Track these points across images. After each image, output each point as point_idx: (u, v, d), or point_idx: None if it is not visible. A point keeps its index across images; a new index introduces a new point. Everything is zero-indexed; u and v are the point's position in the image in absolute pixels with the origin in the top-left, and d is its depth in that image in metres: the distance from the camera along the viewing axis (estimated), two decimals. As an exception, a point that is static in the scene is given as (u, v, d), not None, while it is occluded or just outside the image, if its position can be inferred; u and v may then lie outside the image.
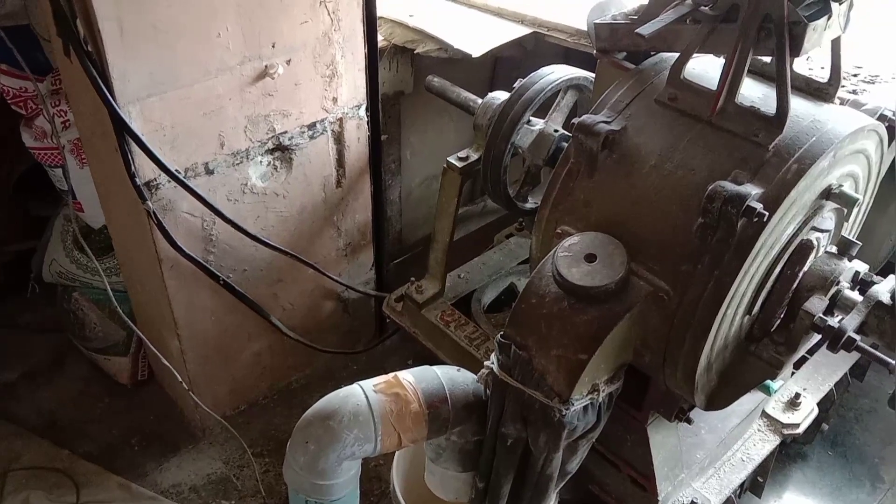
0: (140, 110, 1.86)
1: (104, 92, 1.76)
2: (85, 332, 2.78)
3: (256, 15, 1.94)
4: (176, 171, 1.97)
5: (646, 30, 1.43)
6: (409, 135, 2.99)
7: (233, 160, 2.12)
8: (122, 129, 1.84)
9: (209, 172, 2.08)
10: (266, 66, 2.02)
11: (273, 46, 2.02)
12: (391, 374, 1.71)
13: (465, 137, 3.00)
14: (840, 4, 1.41)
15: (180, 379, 2.33)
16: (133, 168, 1.91)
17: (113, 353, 2.76)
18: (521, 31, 2.54)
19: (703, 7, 1.45)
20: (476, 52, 2.40)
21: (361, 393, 1.66)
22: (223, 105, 2.00)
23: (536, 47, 2.66)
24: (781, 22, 1.33)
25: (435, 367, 1.75)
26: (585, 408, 1.49)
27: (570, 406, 1.45)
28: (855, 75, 2.14)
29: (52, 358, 2.96)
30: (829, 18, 1.40)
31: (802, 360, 2.26)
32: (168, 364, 2.30)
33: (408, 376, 1.70)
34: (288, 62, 2.07)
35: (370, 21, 2.22)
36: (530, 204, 2.24)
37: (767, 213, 1.31)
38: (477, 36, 2.49)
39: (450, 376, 1.72)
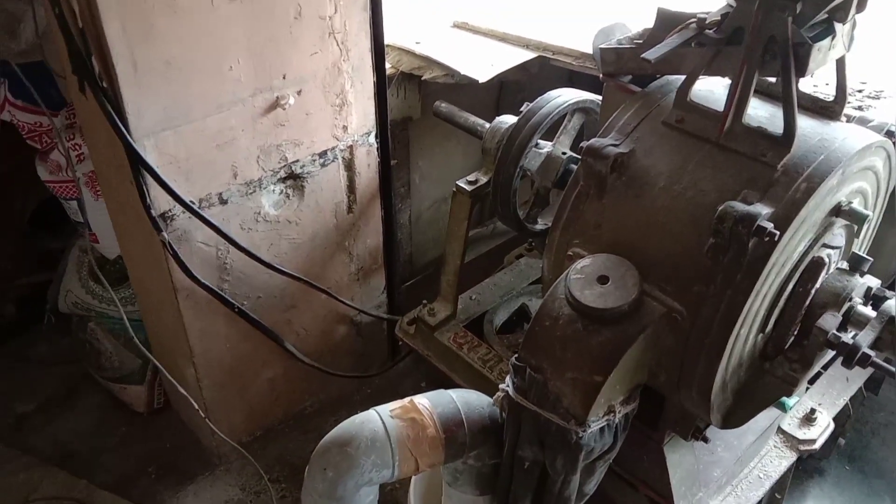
0: (155, 144, 1.89)
1: (119, 127, 1.79)
2: (101, 362, 2.80)
3: (267, 48, 1.97)
4: (190, 201, 2.00)
5: (652, 54, 1.45)
6: (418, 159, 3.02)
7: (246, 189, 2.15)
8: (137, 163, 1.87)
9: (223, 202, 2.11)
10: (277, 98, 2.06)
11: (284, 78, 2.05)
12: (407, 399, 1.72)
13: (472, 161, 3.04)
14: (844, 24, 1.42)
15: (196, 406, 2.34)
16: (148, 200, 1.93)
17: (129, 381, 2.79)
18: (527, 55, 2.57)
19: (707, 31, 1.47)
20: (482, 77, 2.43)
21: (378, 419, 1.66)
22: (236, 136, 2.03)
23: (541, 71, 2.70)
24: (786, 43, 1.35)
25: (450, 391, 1.76)
26: (602, 429, 1.49)
27: (587, 428, 1.45)
28: (860, 91, 2.16)
29: (68, 389, 2.98)
30: (833, 38, 1.42)
31: (817, 376, 2.25)
32: (184, 392, 2.32)
33: (423, 401, 1.71)
34: (299, 93, 2.10)
35: (378, 50, 2.26)
36: (540, 225, 2.26)
37: (778, 233, 1.32)
38: (483, 61, 2.52)
39: (465, 400, 1.72)
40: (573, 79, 2.65)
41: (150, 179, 1.91)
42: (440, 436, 1.64)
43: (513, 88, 3.00)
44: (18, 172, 2.93)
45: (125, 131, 1.81)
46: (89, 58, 1.74)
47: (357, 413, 1.72)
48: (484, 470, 1.72)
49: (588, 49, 1.88)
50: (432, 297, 2.46)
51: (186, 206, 1.99)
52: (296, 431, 2.77)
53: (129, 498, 2.56)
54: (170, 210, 2.01)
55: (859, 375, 2.31)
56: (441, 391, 1.75)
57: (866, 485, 2.61)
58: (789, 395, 1.59)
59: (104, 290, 2.63)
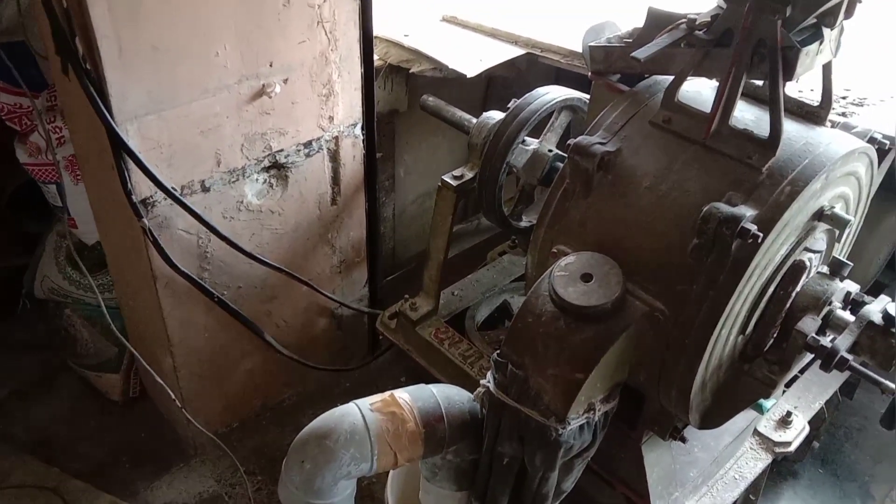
0: (137, 128, 1.86)
1: (102, 110, 1.77)
2: (76, 349, 2.76)
3: (254, 35, 1.95)
4: (172, 188, 1.97)
5: (641, 53, 1.46)
6: (403, 153, 3.01)
7: (229, 178, 2.13)
8: (119, 147, 1.84)
9: (205, 190, 2.09)
10: (263, 85, 2.04)
11: (271, 65, 2.03)
12: (387, 393, 1.71)
13: (457, 156, 3.04)
14: (832, 30, 1.43)
15: (173, 396, 2.32)
16: (129, 185, 1.91)
17: (105, 369, 2.75)
18: (515, 51, 2.57)
19: (697, 31, 1.47)
20: (470, 72, 2.43)
21: (358, 412, 1.66)
22: (220, 123, 2.01)
23: (529, 67, 2.70)
24: (775, 47, 1.36)
25: (431, 386, 1.75)
26: (581, 427, 1.50)
27: (567, 425, 1.46)
28: (844, 98, 2.18)
29: (43, 375, 2.94)
30: (821, 43, 1.43)
31: (793, 379, 2.27)
32: (161, 381, 2.30)
33: (404, 395, 1.70)
34: (285, 81, 2.08)
35: (367, 41, 2.24)
36: (524, 222, 2.26)
37: (762, 235, 1.33)
38: (471, 56, 2.52)
39: (446, 395, 1.72)
40: (560, 76, 2.66)
41: (131, 164, 1.88)
42: (420, 430, 1.64)
43: (500, 84, 3.00)
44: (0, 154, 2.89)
45: (108, 115, 1.78)
46: (73, 39, 1.71)
47: (336, 406, 1.72)
48: (463, 465, 1.72)
49: (577, 47, 1.89)
50: (414, 291, 2.46)
51: (168, 193, 1.96)
52: (273, 424, 2.75)
53: (102, 487, 2.53)
54: (151, 196, 1.98)
55: (835, 380, 2.33)
56: (422, 386, 1.75)
57: (839, 487, 2.64)
58: (767, 396, 1.60)
59: (82, 276, 2.59)
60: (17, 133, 2.56)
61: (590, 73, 1.81)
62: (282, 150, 2.21)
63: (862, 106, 2.15)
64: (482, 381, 1.59)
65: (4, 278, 3.12)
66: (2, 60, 2.29)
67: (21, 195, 3.02)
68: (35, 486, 2.51)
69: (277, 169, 2.25)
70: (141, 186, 1.95)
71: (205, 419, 2.47)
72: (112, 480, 2.56)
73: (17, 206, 3.07)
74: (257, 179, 2.22)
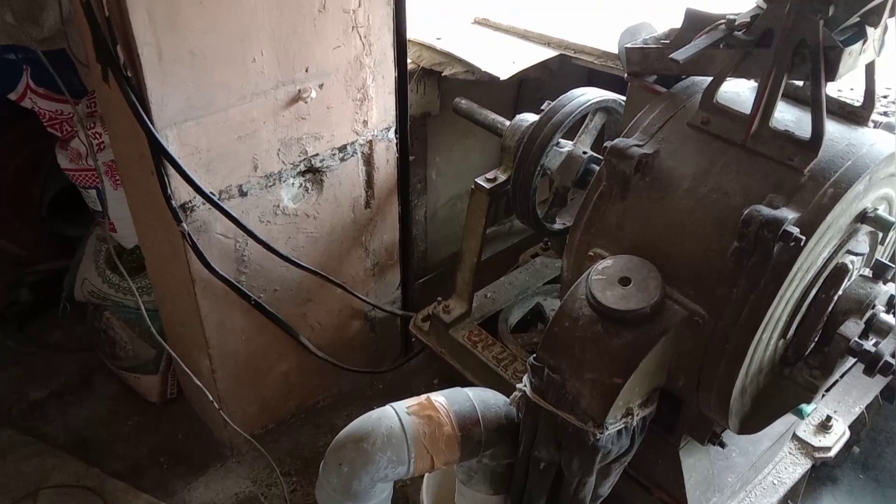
0: (177, 134, 1.89)
1: (143, 116, 1.79)
2: (115, 351, 2.81)
3: (290, 40, 1.97)
4: (211, 193, 2.00)
5: (680, 55, 1.44)
6: (435, 155, 3.01)
7: (266, 182, 2.15)
8: (159, 153, 1.87)
9: (243, 194, 2.11)
10: (299, 91, 2.05)
11: (306, 71, 2.05)
12: (423, 396, 1.72)
13: (488, 158, 3.04)
14: (875, 28, 1.41)
15: (210, 397, 2.35)
16: (169, 190, 1.94)
17: (142, 371, 2.79)
18: (548, 53, 2.56)
19: (736, 32, 1.46)
20: (503, 74, 2.42)
21: (394, 415, 1.66)
22: (257, 129, 2.03)
23: (561, 69, 2.68)
24: (817, 47, 1.34)
25: (466, 389, 1.76)
26: (619, 431, 1.49)
27: (605, 430, 1.45)
28: (885, 96, 2.14)
29: (82, 377, 2.99)
30: (864, 43, 1.41)
31: (833, 383, 2.24)
32: (198, 382, 2.32)
33: (440, 398, 1.71)
34: (321, 86, 2.10)
35: (400, 45, 2.25)
36: (558, 225, 2.25)
37: (804, 238, 1.31)
38: (504, 58, 2.51)
39: (482, 398, 1.72)
40: (593, 78, 2.64)
41: (171, 170, 1.91)
42: (456, 433, 1.64)
43: (532, 86, 2.99)
44: (38, 159, 2.95)
45: (148, 121, 1.81)
46: (114, 46, 1.74)
47: (370, 409, 1.73)
48: (498, 469, 1.72)
49: (610, 48, 1.88)
50: (446, 293, 2.46)
51: (207, 198, 1.99)
52: (308, 425, 2.77)
53: (140, 487, 2.56)
54: (190, 201, 2.01)
55: (876, 383, 2.29)
56: (457, 389, 1.75)
57: (880, 494, 2.59)
58: (808, 401, 1.58)
59: (121, 279, 2.64)
60: (58, 139, 2.61)
61: (626, 75, 1.80)
62: (317, 155, 2.23)
63: (904, 104, 2.11)
64: (518, 385, 1.59)
65: (45, 282, 3.19)
66: (44, 68, 2.34)
67: (60, 200, 3.08)
68: (75, 486, 2.55)
69: (313, 173, 2.27)
70: (180, 191, 1.98)
71: (241, 420, 2.50)
72: (150, 481, 2.60)
73: (57, 211, 3.13)
74: (293, 184, 2.24)
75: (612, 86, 2.16)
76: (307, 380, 2.72)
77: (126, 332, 2.75)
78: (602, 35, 2.50)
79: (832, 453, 2.08)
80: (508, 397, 1.67)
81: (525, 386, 1.56)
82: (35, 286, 3.22)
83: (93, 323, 2.86)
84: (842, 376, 2.24)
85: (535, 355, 1.53)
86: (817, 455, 2.07)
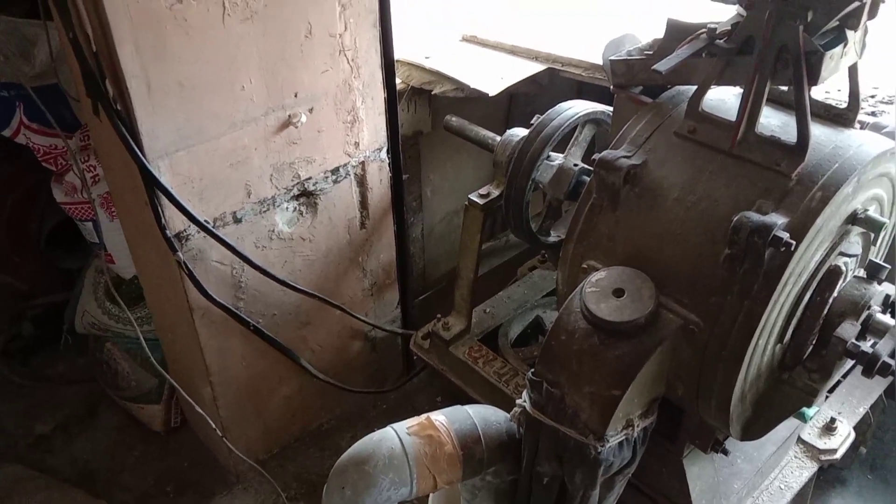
0: (169, 164, 1.90)
1: (134, 149, 1.81)
2: (118, 382, 2.81)
3: (278, 66, 1.99)
4: (205, 221, 2.01)
5: (663, 66, 1.45)
6: (429, 173, 3.02)
7: (260, 208, 2.16)
8: (152, 184, 1.88)
9: (237, 221, 2.12)
10: (289, 116, 2.07)
11: (296, 96, 2.06)
12: (423, 416, 1.71)
13: (483, 173, 3.05)
14: (855, 31, 1.42)
15: (213, 425, 2.35)
16: (163, 220, 1.95)
17: (146, 401, 2.79)
18: (536, 67, 2.58)
19: (718, 41, 1.46)
20: (492, 90, 2.44)
21: (395, 436, 1.66)
22: (249, 155, 2.05)
23: (551, 82, 2.70)
24: (798, 52, 1.35)
25: (467, 407, 1.75)
26: (621, 443, 1.49)
27: (606, 442, 1.44)
28: (872, 96, 2.15)
29: (85, 408, 2.99)
30: (845, 46, 1.41)
31: (836, 384, 2.23)
32: (201, 411, 2.33)
33: (440, 417, 1.70)
34: (310, 110, 2.11)
35: (388, 66, 2.27)
36: (553, 238, 2.25)
37: (794, 242, 1.31)
38: (492, 74, 2.53)
39: (482, 415, 1.72)
40: (583, 90, 2.66)
41: (164, 200, 1.92)
42: (458, 452, 1.63)
43: (523, 101, 3.00)
44: (36, 194, 2.96)
45: (139, 153, 1.83)
46: (103, 80, 1.76)
47: (373, 429, 1.72)
48: (502, 486, 1.72)
49: (598, 60, 1.88)
50: (446, 310, 2.46)
51: (202, 226, 2.00)
52: (313, 448, 2.77)
53: (147, 517, 2.57)
54: (185, 230, 2.02)
55: (879, 383, 2.28)
56: (457, 407, 1.75)
57: (889, 493, 2.58)
58: (809, 405, 1.57)
59: (120, 310, 2.64)
60: (53, 173, 2.63)
61: (612, 87, 1.81)
62: (310, 178, 2.24)
63: (892, 104, 2.12)
64: (518, 401, 1.59)
65: (46, 315, 3.19)
66: (36, 103, 2.36)
67: (58, 233, 3.09)
68: (82, 519, 2.56)
69: (306, 197, 2.28)
70: (174, 221, 1.99)
71: (245, 446, 2.50)
72: (156, 511, 2.60)
73: (55, 244, 3.14)
74: (287, 208, 2.25)
75: (601, 97, 2.17)
76: (310, 403, 2.72)
77: (128, 362, 2.76)
78: (589, 47, 2.52)
79: (838, 455, 2.07)
80: (510, 412, 1.67)
81: (525, 401, 1.56)
82: (37, 319, 3.23)
83: (95, 354, 2.86)
84: (844, 378, 2.24)
85: (533, 370, 1.53)
86: (823, 458, 2.06)
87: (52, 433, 2.90)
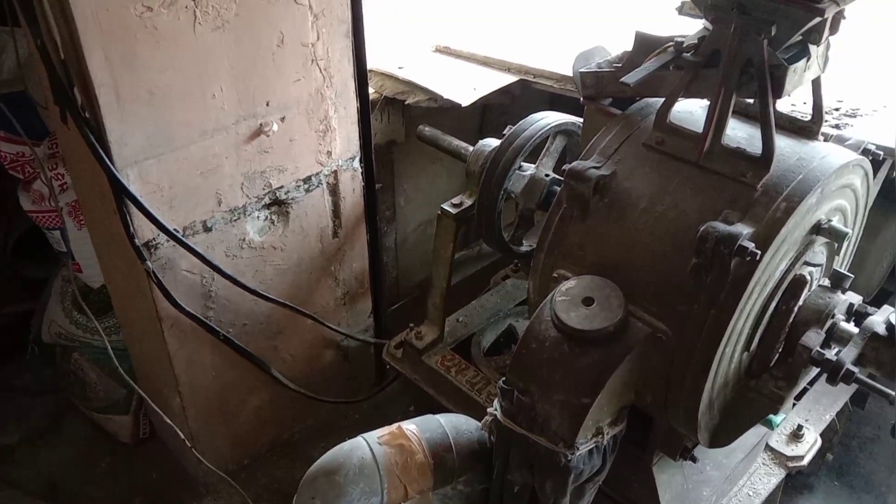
0: (138, 173, 1.89)
1: (102, 157, 1.79)
2: (85, 392, 2.77)
3: (250, 75, 1.98)
4: (175, 230, 1.99)
5: (630, 78, 1.47)
6: (403, 182, 3.03)
7: (230, 217, 2.15)
8: (120, 192, 1.86)
9: (207, 230, 2.11)
10: (261, 125, 2.06)
11: (267, 105, 2.06)
12: (395, 425, 1.71)
13: (456, 183, 3.05)
14: (818, 46, 1.45)
15: (182, 436, 2.32)
16: (132, 229, 1.93)
17: (114, 412, 2.75)
18: (508, 79, 2.60)
19: (685, 54, 1.49)
20: (465, 101, 2.45)
21: (366, 445, 1.65)
22: (220, 164, 2.03)
23: (523, 93, 2.72)
24: (762, 66, 1.38)
25: (438, 416, 1.75)
26: (591, 451, 1.50)
27: (576, 450, 1.45)
28: (836, 109, 2.20)
29: (52, 420, 2.94)
30: (808, 60, 1.45)
31: (803, 392, 2.26)
32: (170, 421, 2.30)
33: (411, 426, 1.70)
34: (282, 119, 2.11)
35: (361, 76, 2.27)
36: (525, 247, 2.27)
37: (760, 252, 1.34)
38: (465, 85, 2.54)
39: (453, 424, 1.72)
40: (555, 101, 2.68)
41: (133, 209, 1.90)
42: (429, 461, 1.63)
43: (496, 111, 3.03)
44: (1, 202, 2.92)
45: (108, 161, 1.81)
46: (72, 88, 1.74)
47: (345, 439, 1.72)
48: (474, 495, 1.72)
49: (568, 72, 1.91)
50: (419, 320, 2.46)
51: (171, 235, 1.98)
52: (284, 459, 2.75)
53: (115, 530, 2.53)
54: (154, 239, 2.00)
55: (845, 391, 2.32)
56: (429, 416, 1.75)
57: (855, 499, 2.62)
58: (776, 412, 1.60)
59: (88, 319, 2.61)
60: (20, 181, 2.59)
61: (582, 99, 1.83)
62: (282, 187, 2.23)
63: (855, 117, 2.17)
64: (489, 410, 1.59)
65: (11, 324, 3.13)
66: (3, 112, 2.32)
67: (24, 242, 3.04)
68: (47, 533, 2.51)
69: (278, 205, 2.27)
70: (143, 229, 1.97)
71: (215, 457, 2.47)
72: (125, 523, 2.56)
73: (22, 253, 3.09)
74: (258, 217, 2.24)
75: (574, 109, 2.19)
76: (281, 413, 2.70)
77: (96, 372, 2.72)
78: (561, 59, 2.54)
79: (805, 462, 2.10)
80: (482, 421, 1.67)
81: (496, 410, 1.56)
82: (2, 329, 3.17)
83: (62, 365, 2.82)
84: (811, 385, 2.27)
85: (504, 378, 1.54)
86: (791, 464, 2.08)
87: (18, 445, 2.85)
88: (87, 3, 1.63)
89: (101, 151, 1.78)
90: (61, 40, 1.69)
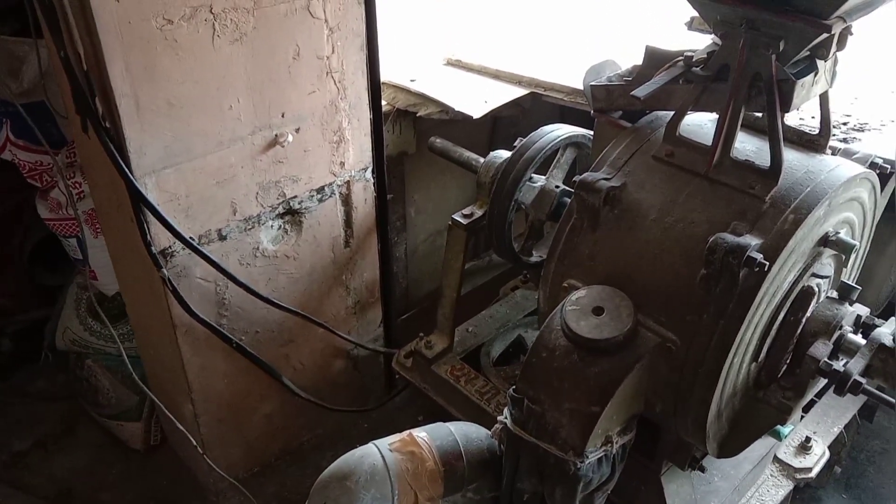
0: (156, 182, 1.92)
1: (122, 166, 1.82)
2: (98, 399, 2.80)
3: (266, 87, 2.01)
4: (190, 238, 2.02)
5: (641, 92, 1.50)
6: (413, 193, 3.06)
7: (245, 225, 2.18)
8: (138, 201, 1.89)
9: (222, 238, 2.14)
10: (276, 135, 2.09)
11: (283, 116, 2.09)
12: (406, 432, 1.73)
13: (466, 194, 3.08)
14: (825, 61, 1.48)
15: (194, 443, 2.34)
16: (149, 237, 1.96)
17: (126, 418, 2.78)
18: (519, 91, 2.63)
19: (694, 68, 1.52)
20: (476, 113, 2.48)
21: (377, 452, 1.67)
22: (235, 174, 2.07)
23: (533, 106, 2.75)
24: (770, 80, 1.40)
25: (449, 424, 1.77)
26: (600, 460, 1.51)
27: (585, 459, 1.47)
28: (844, 124, 2.22)
29: (65, 426, 2.96)
30: (815, 75, 1.47)
31: (811, 404, 2.27)
32: (182, 428, 2.32)
33: (422, 434, 1.72)
34: (297, 130, 2.14)
35: (374, 88, 2.30)
36: (535, 258, 2.29)
37: (768, 263, 1.35)
38: (476, 98, 2.57)
39: (464, 432, 1.74)
40: (564, 114, 2.71)
41: (150, 217, 1.93)
42: (439, 469, 1.65)
43: (506, 124, 3.05)
44: (19, 210, 2.96)
45: (127, 170, 1.84)
46: (93, 98, 1.78)
47: (355, 447, 1.73)
48: (483, 503, 1.73)
49: (578, 85, 1.94)
50: (429, 329, 2.48)
51: (187, 243, 2.01)
52: (293, 467, 2.76)
53: (126, 536, 2.54)
54: (170, 247, 2.03)
55: (853, 403, 2.33)
56: (439, 424, 1.77)
57: (863, 513, 2.62)
58: (783, 423, 1.61)
59: (102, 326, 2.64)
60: (38, 189, 2.63)
61: (592, 111, 1.86)
62: (295, 197, 2.26)
63: (863, 131, 2.18)
64: (499, 418, 1.61)
65: (26, 331, 3.17)
66: (23, 120, 2.37)
67: (41, 249, 3.08)
68: (59, 538, 2.53)
69: (291, 215, 2.30)
70: (160, 237, 2.00)
71: (226, 465, 2.49)
72: (135, 529, 2.58)
73: (38, 261, 3.13)
74: (272, 226, 2.27)
75: (583, 121, 2.22)
76: (291, 421, 2.72)
77: (108, 379, 2.75)
78: (571, 73, 2.57)
79: (813, 474, 2.10)
80: (491, 430, 1.69)
81: (506, 418, 1.58)
82: (16, 336, 3.20)
83: (75, 371, 2.85)
84: (819, 397, 2.28)
85: (514, 387, 1.56)
86: (799, 476, 2.09)
87: (31, 450, 2.87)
88: (111, 17, 1.67)
89: (120, 160, 1.82)
90: (84, 52, 1.73)
